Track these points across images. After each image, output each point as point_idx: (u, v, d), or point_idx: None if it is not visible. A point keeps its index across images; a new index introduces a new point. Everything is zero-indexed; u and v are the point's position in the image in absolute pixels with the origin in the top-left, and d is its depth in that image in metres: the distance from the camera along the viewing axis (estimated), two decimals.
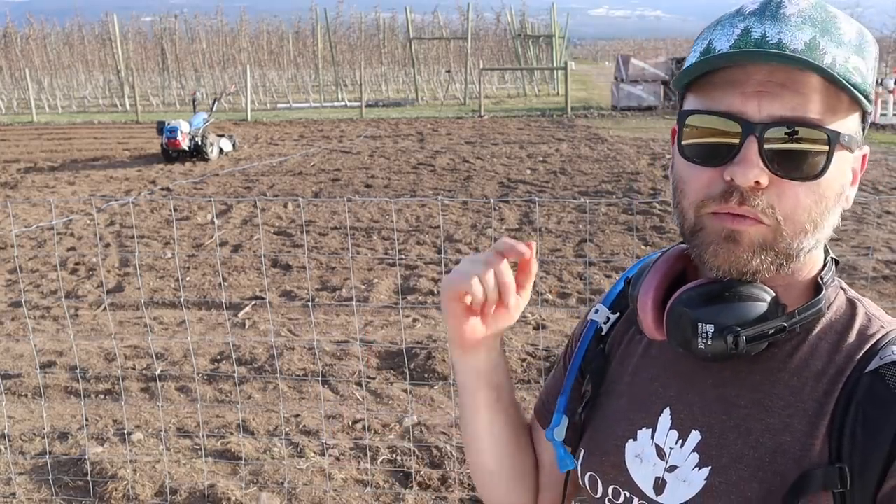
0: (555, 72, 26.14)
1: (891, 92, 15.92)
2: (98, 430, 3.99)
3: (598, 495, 0.92)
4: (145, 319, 5.46)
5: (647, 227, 7.73)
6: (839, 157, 0.77)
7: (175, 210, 8.94)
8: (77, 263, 6.97)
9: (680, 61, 19.03)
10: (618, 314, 0.99)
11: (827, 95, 0.75)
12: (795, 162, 0.75)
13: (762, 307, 0.78)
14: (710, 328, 0.78)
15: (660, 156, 12.11)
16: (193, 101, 14.76)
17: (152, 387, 4.41)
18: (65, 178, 11.48)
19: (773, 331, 0.78)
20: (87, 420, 4.05)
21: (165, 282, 6.36)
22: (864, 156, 0.83)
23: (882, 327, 0.81)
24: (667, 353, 0.89)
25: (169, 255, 7.09)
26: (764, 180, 0.75)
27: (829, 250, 0.87)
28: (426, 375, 4.44)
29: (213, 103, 14.21)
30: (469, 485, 3.38)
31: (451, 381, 4.23)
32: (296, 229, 8.01)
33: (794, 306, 0.81)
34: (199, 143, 12.58)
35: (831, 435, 0.76)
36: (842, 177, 0.79)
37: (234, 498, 3.32)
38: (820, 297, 0.81)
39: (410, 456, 3.63)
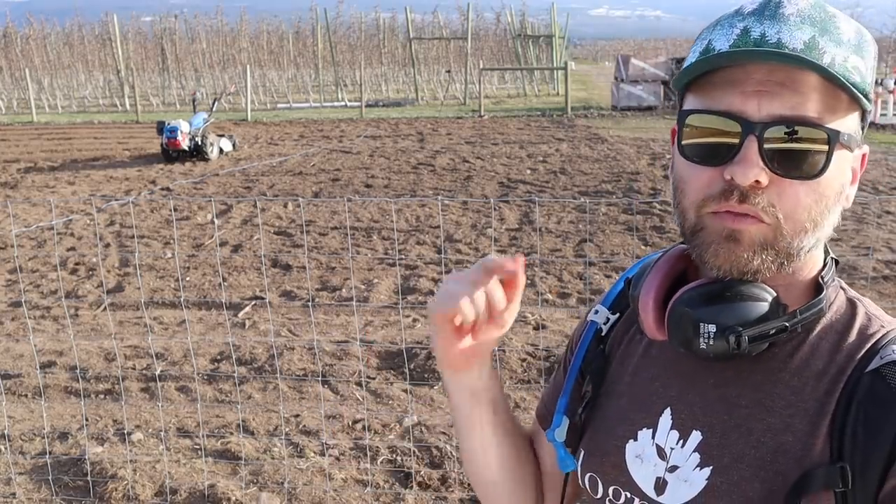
0: (555, 72, 26.15)
1: (891, 92, 15.92)
2: (98, 430, 3.99)
3: (599, 496, 0.92)
4: (145, 319, 5.46)
5: (647, 227, 7.73)
6: (839, 155, 0.77)
7: (175, 210, 8.94)
8: (77, 263, 6.97)
9: (680, 61, 19.03)
10: (617, 314, 0.99)
11: (826, 94, 0.75)
12: (795, 161, 0.75)
13: (764, 307, 0.78)
14: (712, 328, 0.78)
15: (660, 156, 12.11)
16: (193, 101, 14.76)
17: (152, 387, 4.41)
18: (65, 178, 11.48)
19: (774, 330, 0.78)
20: (87, 420, 4.05)
21: (165, 282, 6.36)
22: (863, 155, 0.83)
23: (882, 327, 0.81)
24: (667, 353, 0.89)
25: (169, 255, 7.09)
26: (764, 179, 0.75)
27: (829, 250, 0.87)
28: (426, 375, 4.44)
29: (213, 103, 14.21)
30: (469, 485, 3.38)
31: None
32: (296, 229, 8.01)
33: (794, 306, 0.81)
34: (199, 143, 12.58)
35: (832, 434, 0.76)
36: (842, 176, 0.79)
37: (234, 498, 3.32)
38: (821, 296, 0.81)
39: (410, 456, 3.63)
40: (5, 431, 3.92)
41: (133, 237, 7.70)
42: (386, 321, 5.45)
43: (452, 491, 3.37)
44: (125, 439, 3.86)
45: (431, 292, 5.95)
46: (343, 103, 23.37)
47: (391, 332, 5.22)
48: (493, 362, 0.96)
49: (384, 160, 12.53)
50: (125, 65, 24.77)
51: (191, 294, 6.05)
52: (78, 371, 4.48)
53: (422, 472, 3.50)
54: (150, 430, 3.96)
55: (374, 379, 4.49)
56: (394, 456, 3.66)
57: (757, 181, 0.75)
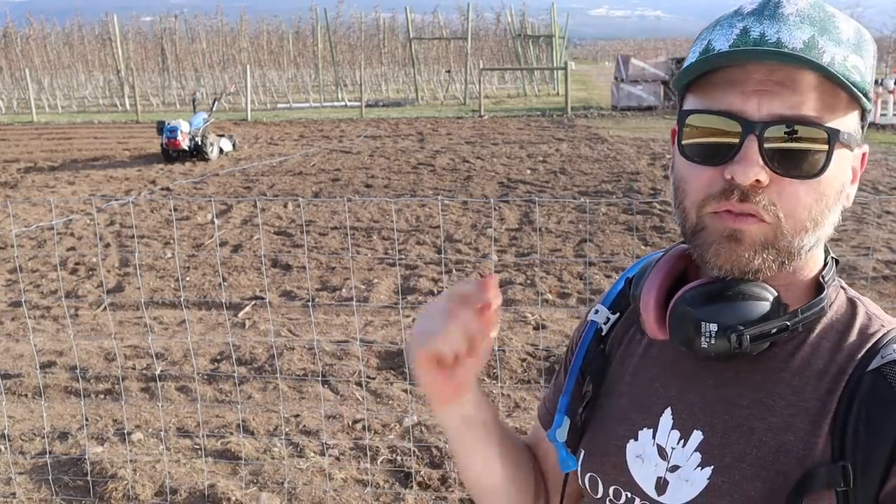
0: (555, 72, 26.15)
1: (891, 92, 15.92)
2: (98, 429, 3.99)
3: (599, 496, 0.92)
4: (145, 319, 5.46)
5: (647, 227, 7.73)
6: (839, 155, 0.77)
7: (175, 210, 8.95)
8: (77, 263, 6.97)
9: (680, 61, 19.03)
10: (618, 314, 0.99)
11: (826, 94, 0.75)
12: (795, 160, 0.75)
13: (765, 306, 0.78)
14: (714, 327, 0.78)
15: (660, 156, 12.12)
16: (193, 101, 14.77)
17: (152, 387, 4.41)
18: (65, 178, 11.48)
19: (775, 330, 0.78)
20: (87, 420, 4.05)
21: (165, 282, 6.36)
22: (863, 154, 0.84)
23: (882, 326, 0.81)
24: (667, 352, 0.89)
25: (169, 255, 7.09)
26: (764, 179, 0.75)
27: (829, 250, 0.87)
28: None
29: (213, 103, 14.21)
30: None
31: None
32: (296, 229, 8.02)
33: (795, 305, 0.81)
34: (199, 143, 12.59)
35: (834, 434, 0.76)
36: (842, 175, 0.80)
37: (234, 498, 3.32)
38: (822, 296, 0.81)
39: (410, 456, 3.63)
40: (5, 431, 3.92)
41: (133, 237, 7.70)
42: (386, 321, 5.45)
43: (452, 491, 3.37)
44: (125, 439, 3.86)
45: (431, 292, 5.95)
46: (343, 103, 23.37)
47: (391, 332, 5.22)
48: (480, 384, 0.95)
49: (384, 160, 12.53)
50: (125, 65, 24.77)
51: (191, 294, 6.05)
52: (78, 371, 4.48)
53: (422, 472, 3.50)
54: (150, 430, 3.97)
55: (374, 379, 4.49)
56: (394, 456, 3.67)
57: (757, 180, 0.75)
